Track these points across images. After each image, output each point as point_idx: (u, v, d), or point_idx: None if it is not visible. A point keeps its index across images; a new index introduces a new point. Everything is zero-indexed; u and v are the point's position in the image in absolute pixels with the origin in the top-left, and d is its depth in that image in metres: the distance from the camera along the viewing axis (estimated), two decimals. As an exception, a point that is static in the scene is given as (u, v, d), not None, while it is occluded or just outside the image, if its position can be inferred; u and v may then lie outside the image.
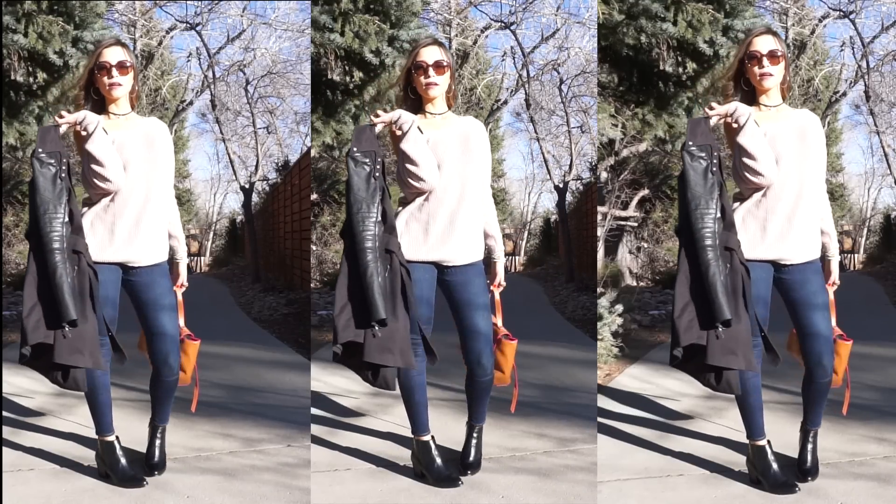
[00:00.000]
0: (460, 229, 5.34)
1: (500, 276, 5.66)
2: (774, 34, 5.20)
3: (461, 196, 5.33)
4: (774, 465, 5.35)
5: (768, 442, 5.39)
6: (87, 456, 5.79)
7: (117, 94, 5.28)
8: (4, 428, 6.24)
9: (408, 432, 5.71)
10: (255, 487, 5.47)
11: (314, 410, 6.72)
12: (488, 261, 5.57)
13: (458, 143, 5.33)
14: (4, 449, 5.90)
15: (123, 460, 5.48)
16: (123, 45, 5.35)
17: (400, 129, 5.30)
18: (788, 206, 5.15)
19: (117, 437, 5.53)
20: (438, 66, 5.31)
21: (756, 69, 5.16)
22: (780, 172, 5.13)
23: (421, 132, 5.32)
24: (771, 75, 5.15)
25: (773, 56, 5.14)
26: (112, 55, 5.27)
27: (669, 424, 6.43)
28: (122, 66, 5.26)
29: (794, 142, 5.14)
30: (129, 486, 5.39)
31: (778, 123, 5.17)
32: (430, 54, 5.32)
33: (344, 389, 7.32)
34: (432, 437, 5.59)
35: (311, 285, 11.07)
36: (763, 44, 5.15)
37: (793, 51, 10.74)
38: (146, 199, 5.27)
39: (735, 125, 5.13)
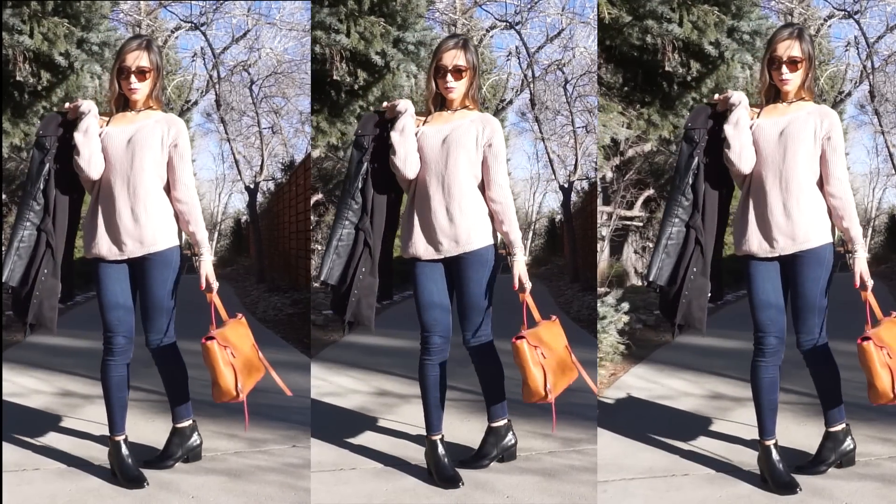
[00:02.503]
0: (433, 221, 5.42)
1: (516, 278, 5.47)
2: (798, 37, 5.21)
3: (435, 188, 5.41)
4: (779, 466, 5.35)
5: (775, 443, 5.39)
6: (93, 456, 5.81)
7: (135, 98, 5.39)
8: (10, 428, 6.25)
9: (413, 431, 5.72)
10: (259, 488, 5.47)
11: (320, 410, 6.73)
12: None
13: (441, 136, 5.41)
14: (10, 449, 5.91)
15: (129, 460, 5.49)
16: (147, 47, 5.42)
17: (394, 117, 5.47)
18: (763, 197, 5.25)
19: (125, 438, 5.53)
20: (456, 72, 5.38)
21: (775, 74, 5.20)
22: (756, 164, 5.25)
23: (423, 124, 5.47)
24: (789, 80, 5.19)
25: (791, 62, 5.17)
26: (132, 60, 5.37)
27: (674, 424, 6.42)
28: (140, 72, 5.36)
29: (774, 134, 5.21)
30: (131, 487, 5.40)
31: (772, 118, 5.25)
32: (450, 59, 5.39)
33: (349, 389, 7.33)
34: (441, 437, 5.59)
35: (315, 285, 11.06)
36: (783, 49, 5.19)
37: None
38: (119, 191, 5.37)
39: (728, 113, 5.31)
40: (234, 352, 5.33)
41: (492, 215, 5.46)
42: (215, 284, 5.50)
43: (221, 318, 5.51)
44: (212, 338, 5.28)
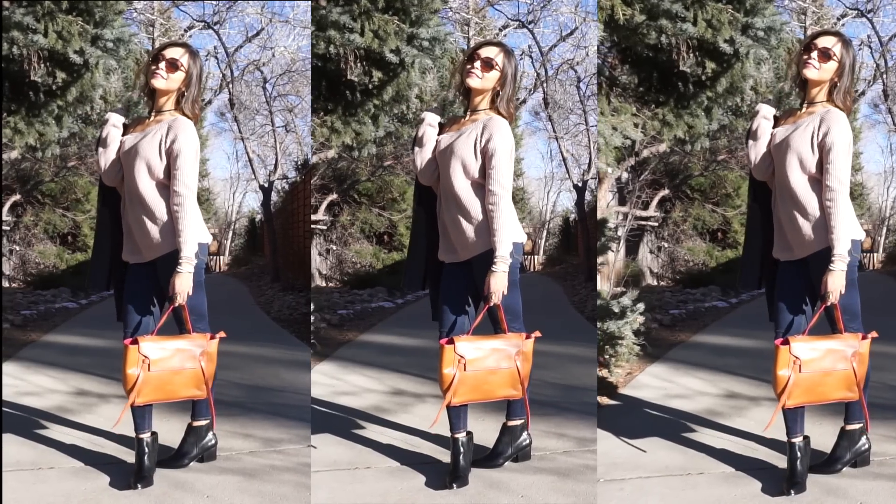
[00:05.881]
0: (446, 228, 5.49)
1: (487, 285, 5.34)
2: (840, 38, 5.19)
3: (443, 196, 5.49)
4: (795, 464, 5.35)
5: (798, 441, 5.37)
6: (107, 455, 5.82)
7: (156, 85, 5.36)
8: (27, 426, 6.28)
9: (426, 430, 5.74)
10: (274, 487, 5.48)
11: (336, 408, 6.74)
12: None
13: (447, 144, 5.45)
14: (26, 447, 5.94)
15: (144, 459, 5.49)
16: (191, 51, 5.46)
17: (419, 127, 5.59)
18: (775, 204, 5.31)
19: (149, 437, 5.54)
20: (486, 64, 5.38)
21: (804, 57, 5.18)
22: (767, 171, 5.31)
23: (445, 132, 5.52)
24: (814, 67, 5.15)
25: (824, 53, 5.14)
26: (169, 52, 5.40)
27: (690, 423, 6.42)
28: (171, 64, 5.35)
29: (779, 142, 5.23)
30: (132, 486, 5.39)
31: (785, 126, 5.28)
32: (487, 51, 5.42)
33: (364, 388, 7.34)
34: (461, 436, 5.58)
35: (331, 284, 11.09)
36: (821, 40, 5.18)
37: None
38: (125, 199, 5.45)
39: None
40: (152, 366, 5.23)
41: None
42: (178, 298, 5.29)
43: (186, 328, 5.45)
44: (136, 342, 5.23)
